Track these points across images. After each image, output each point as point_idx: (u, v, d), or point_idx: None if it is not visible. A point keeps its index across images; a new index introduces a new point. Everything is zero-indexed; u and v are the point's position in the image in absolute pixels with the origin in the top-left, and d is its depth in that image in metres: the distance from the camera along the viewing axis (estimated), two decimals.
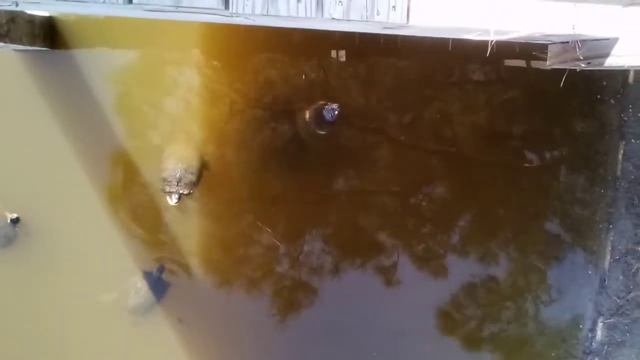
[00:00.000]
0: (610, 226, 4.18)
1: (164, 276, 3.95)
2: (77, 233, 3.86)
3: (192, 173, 3.79)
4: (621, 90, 4.10)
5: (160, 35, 3.82)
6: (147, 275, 3.92)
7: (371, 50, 3.89)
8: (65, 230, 3.85)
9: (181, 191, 3.77)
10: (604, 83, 4.09)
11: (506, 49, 3.68)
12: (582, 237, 4.22)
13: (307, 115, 3.87)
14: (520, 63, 4.02)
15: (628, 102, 4.11)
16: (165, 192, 3.80)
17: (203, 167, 3.88)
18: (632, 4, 1.35)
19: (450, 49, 3.63)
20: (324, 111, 3.76)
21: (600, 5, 1.93)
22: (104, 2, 2.00)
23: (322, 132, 3.91)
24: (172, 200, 3.79)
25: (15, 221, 3.78)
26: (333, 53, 3.92)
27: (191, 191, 3.81)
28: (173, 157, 3.81)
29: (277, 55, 3.89)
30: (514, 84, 4.07)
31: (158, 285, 3.94)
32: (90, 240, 3.88)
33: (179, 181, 3.75)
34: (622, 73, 4.06)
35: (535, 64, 3.98)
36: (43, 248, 3.84)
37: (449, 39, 3.49)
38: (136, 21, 3.72)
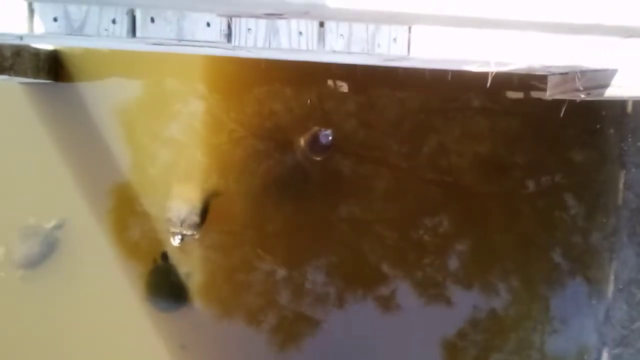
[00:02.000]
0: (613, 255, 4.16)
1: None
2: (77, 267, 3.86)
3: (196, 214, 3.81)
4: (620, 120, 4.12)
5: (164, 69, 3.86)
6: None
7: (371, 81, 3.93)
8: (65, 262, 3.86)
9: (184, 232, 3.78)
10: (603, 113, 4.11)
11: (505, 80, 3.72)
12: (584, 266, 4.19)
13: (302, 142, 3.90)
14: (520, 94, 4.05)
15: (627, 132, 4.13)
16: (169, 232, 3.81)
17: (208, 208, 3.89)
18: (632, 35, 1.38)
19: (450, 79, 3.67)
20: (318, 137, 3.79)
21: (600, 37, 1.96)
22: (107, 36, 2.03)
23: (318, 158, 3.94)
24: (175, 241, 3.81)
25: (59, 225, 3.81)
26: (333, 84, 3.96)
27: (194, 232, 3.83)
28: (179, 198, 3.83)
29: (278, 87, 3.92)
30: (513, 115, 4.09)
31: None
32: (91, 272, 3.88)
33: (182, 222, 3.77)
34: (621, 103, 4.09)
35: (534, 94, 4.00)
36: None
37: (449, 70, 3.52)
38: (140, 55, 3.75)
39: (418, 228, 4.08)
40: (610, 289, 4.16)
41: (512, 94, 4.04)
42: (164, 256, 3.92)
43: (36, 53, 3.50)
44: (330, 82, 3.95)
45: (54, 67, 3.71)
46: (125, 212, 3.88)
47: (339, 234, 4.05)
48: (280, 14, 1.29)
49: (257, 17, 1.33)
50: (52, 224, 3.81)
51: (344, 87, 3.97)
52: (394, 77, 3.81)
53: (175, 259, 3.91)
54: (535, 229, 4.14)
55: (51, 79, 3.70)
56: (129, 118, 3.85)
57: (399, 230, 4.07)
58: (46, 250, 3.82)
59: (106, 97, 3.81)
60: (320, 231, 4.05)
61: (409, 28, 2.16)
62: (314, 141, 3.84)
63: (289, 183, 3.98)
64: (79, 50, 3.74)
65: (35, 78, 3.52)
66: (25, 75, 3.40)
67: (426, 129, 4.04)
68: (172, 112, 3.88)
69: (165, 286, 3.97)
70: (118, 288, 3.88)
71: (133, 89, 3.86)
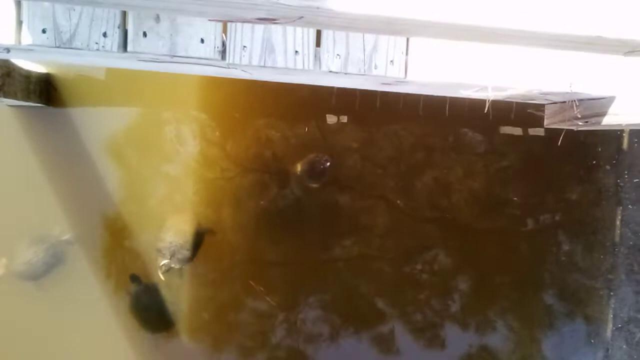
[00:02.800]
0: (611, 293, 4.08)
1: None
2: (61, 292, 3.75)
3: (187, 249, 3.74)
4: (616, 156, 4.10)
5: (158, 98, 3.83)
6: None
7: (369, 114, 3.91)
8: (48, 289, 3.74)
9: (172, 265, 3.72)
10: (599, 149, 4.09)
11: (502, 115, 3.74)
12: (582, 304, 4.11)
13: (299, 168, 3.87)
14: (516, 130, 4.04)
15: (623, 168, 4.10)
16: (158, 264, 3.73)
17: (200, 242, 3.82)
18: (632, 51, 1.34)
19: (447, 115, 3.66)
20: (315, 163, 3.82)
21: (599, 56, 1.93)
22: (98, 49, 1.98)
23: (315, 185, 3.91)
24: (162, 272, 3.73)
25: (70, 241, 3.73)
26: (331, 118, 3.93)
27: (182, 267, 3.76)
28: (172, 230, 3.76)
29: (275, 119, 3.89)
30: (509, 151, 4.06)
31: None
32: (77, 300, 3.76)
33: (172, 255, 3.70)
34: (617, 139, 4.08)
35: (531, 131, 4.00)
36: None
37: (446, 104, 3.52)
38: (134, 82, 3.75)
39: (415, 265, 4.00)
40: (609, 327, 4.07)
41: (508, 130, 4.03)
42: (134, 278, 3.80)
43: (27, 75, 3.46)
44: (328, 115, 3.93)
45: (45, 91, 3.66)
46: (116, 240, 3.78)
47: (334, 270, 3.96)
48: (274, 19, 1.24)
49: (250, 22, 1.28)
50: (65, 236, 3.71)
51: (342, 119, 3.95)
52: (392, 111, 3.80)
53: (160, 287, 3.80)
54: (533, 266, 4.08)
55: (42, 103, 3.65)
56: (122, 147, 3.79)
57: (395, 266, 3.99)
58: (51, 261, 3.70)
59: (98, 125, 3.75)
60: (314, 266, 3.96)
61: (407, 50, 2.14)
62: (311, 168, 3.84)
63: (285, 216, 3.92)
64: (71, 75, 3.71)
65: (25, 101, 3.46)
66: (15, 97, 3.35)
67: (424, 165, 4.00)
68: (166, 142, 3.82)
69: (147, 312, 3.84)
70: (108, 313, 3.76)
71: (126, 118, 3.81)
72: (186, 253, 3.72)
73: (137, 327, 3.80)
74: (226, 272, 3.88)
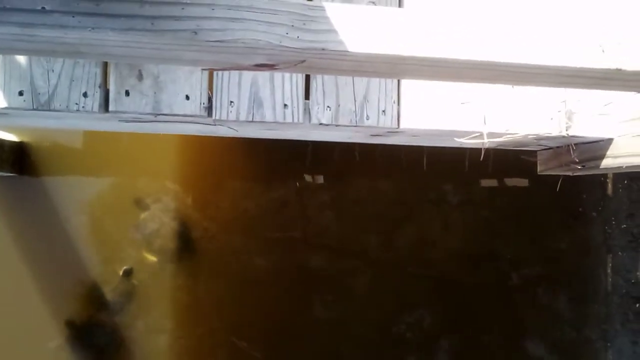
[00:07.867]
0: (608, 344, 3.97)
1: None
2: None
3: (170, 240, 3.60)
4: (602, 203, 4.07)
5: (134, 167, 3.72)
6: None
7: (348, 171, 3.85)
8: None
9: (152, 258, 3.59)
10: (584, 196, 4.07)
11: (484, 166, 3.72)
12: (578, 359, 3.98)
13: None
14: (499, 182, 4.01)
15: (610, 215, 4.07)
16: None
17: (187, 240, 3.67)
18: None
19: (427, 169, 3.63)
20: None
21: (596, 97, 1.91)
22: (78, 110, 1.89)
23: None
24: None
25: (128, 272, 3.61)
26: (308, 177, 3.87)
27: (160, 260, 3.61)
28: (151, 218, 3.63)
29: (247, 180, 3.81)
30: (493, 203, 4.02)
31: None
32: None
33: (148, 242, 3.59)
34: (601, 185, 4.06)
35: (514, 181, 3.97)
36: None
37: (424, 156, 3.49)
38: (110, 152, 3.66)
39: (399, 324, 3.86)
40: None
41: (491, 182, 3.99)
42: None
43: (0, 144, 3.34)
44: (305, 175, 3.86)
45: (18, 160, 3.53)
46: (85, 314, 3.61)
47: (314, 330, 3.80)
48: (273, 65, 1.17)
49: (246, 69, 1.20)
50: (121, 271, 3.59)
51: (319, 179, 3.88)
52: (370, 166, 3.75)
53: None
54: (522, 321, 3.96)
55: (15, 172, 3.51)
56: (96, 216, 3.64)
57: (378, 326, 3.84)
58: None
59: (72, 194, 3.61)
60: (294, 327, 3.80)
61: (399, 99, 2.08)
62: None
63: (263, 278, 3.77)
64: (46, 143, 3.60)
65: None
66: None
67: (405, 221, 3.92)
68: (140, 212, 3.70)
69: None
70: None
71: (101, 187, 3.69)
72: (168, 244, 3.56)
73: None
74: (207, 339, 3.70)
